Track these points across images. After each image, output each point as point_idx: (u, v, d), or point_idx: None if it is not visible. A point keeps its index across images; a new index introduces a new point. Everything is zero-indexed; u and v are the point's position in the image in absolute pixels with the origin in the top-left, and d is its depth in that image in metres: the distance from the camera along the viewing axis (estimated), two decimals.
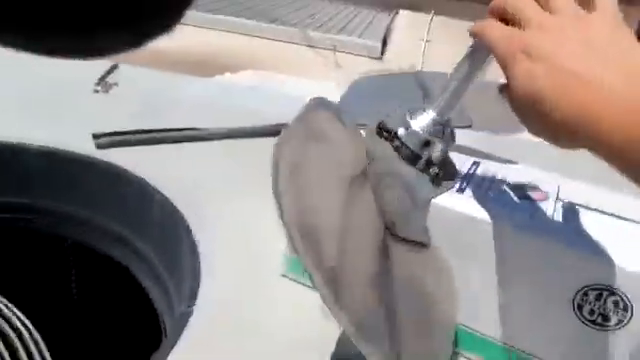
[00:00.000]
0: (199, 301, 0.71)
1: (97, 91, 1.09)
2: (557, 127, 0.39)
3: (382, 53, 2.19)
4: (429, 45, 2.25)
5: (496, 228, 0.59)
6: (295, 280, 0.75)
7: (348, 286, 0.46)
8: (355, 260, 0.49)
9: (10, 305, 0.68)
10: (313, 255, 0.44)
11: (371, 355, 0.43)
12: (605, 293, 0.55)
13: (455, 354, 0.66)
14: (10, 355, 0.62)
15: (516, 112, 0.44)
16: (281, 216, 0.45)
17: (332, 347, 0.66)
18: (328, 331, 0.68)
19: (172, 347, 0.64)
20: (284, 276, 0.76)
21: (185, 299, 0.74)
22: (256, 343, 0.65)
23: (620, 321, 0.56)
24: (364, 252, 0.51)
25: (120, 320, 0.99)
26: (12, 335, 0.65)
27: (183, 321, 0.68)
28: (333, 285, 0.44)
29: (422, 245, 0.59)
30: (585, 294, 0.56)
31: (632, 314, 0.55)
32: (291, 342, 0.66)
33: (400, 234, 0.55)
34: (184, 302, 0.73)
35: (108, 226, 0.96)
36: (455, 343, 0.65)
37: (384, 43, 2.24)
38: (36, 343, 0.63)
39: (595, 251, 0.56)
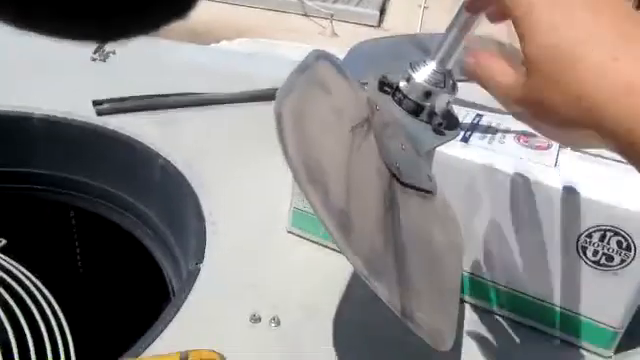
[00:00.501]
0: (206, 259, 0.71)
1: (95, 59, 1.08)
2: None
3: (380, 22, 2.18)
4: (427, 12, 2.23)
5: (500, 175, 0.60)
6: (301, 236, 0.76)
7: (358, 230, 0.46)
8: (363, 202, 0.49)
9: (24, 270, 0.69)
10: (322, 197, 0.45)
11: (382, 293, 0.44)
12: (609, 234, 0.56)
13: (461, 302, 0.67)
14: (26, 318, 0.63)
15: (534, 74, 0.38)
16: (288, 161, 0.45)
17: (338, 299, 0.67)
18: (335, 287, 0.69)
19: (181, 304, 0.65)
20: (290, 232, 0.76)
21: (192, 260, 0.75)
22: (263, 298, 0.66)
23: (623, 261, 0.56)
24: (371, 195, 0.51)
25: (127, 284, 1.00)
26: (28, 301, 0.65)
27: (191, 279, 0.69)
28: (342, 228, 0.45)
29: (428, 193, 0.60)
30: (589, 236, 0.57)
31: (635, 253, 0.55)
32: (299, 296, 0.67)
33: (406, 181, 0.56)
34: (191, 262, 0.74)
35: (111, 192, 0.96)
36: (461, 290, 0.66)
37: (382, 11, 2.23)
38: (52, 308, 0.64)
39: (599, 194, 0.56)
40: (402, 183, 0.56)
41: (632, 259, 0.56)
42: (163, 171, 0.88)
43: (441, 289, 0.54)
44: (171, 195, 0.87)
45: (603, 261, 0.57)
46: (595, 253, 0.57)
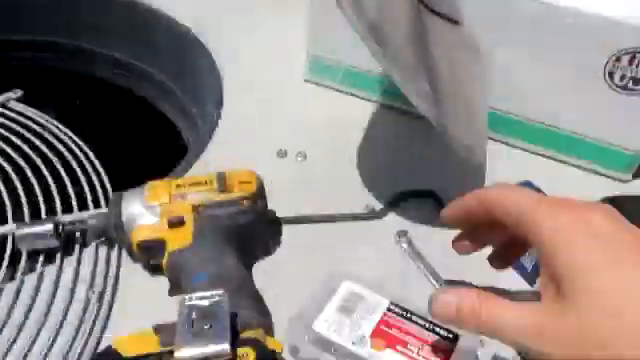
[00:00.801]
0: (225, 106, 0.71)
1: None
2: None
3: None
4: None
5: (528, 3, 0.58)
6: (318, 83, 0.75)
7: (389, 40, 0.46)
8: (392, 18, 0.48)
9: (44, 115, 0.68)
10: (356, 8, 0.44)
11: (418, 103, 0.44)
12: (638, 55, 0.56)
13: (490, 139, 0.67)
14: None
15: None
16: None
17: (360, 139, 0.68)
18: (356, 128, 0.70)
19: (205, 145, 0.66)
20: (307, 81, 0.76)
21: (210, 112, 0.74)
22: (287, 137, 0.67)
23: None
24: (401, 15, 0.50)
25: (144, 144, 1.00)
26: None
27: (213, 123, 0.69)
28: (376, 36, 0.44)
29: (455, 22, 0.59)
30: (617, 59, 0.57)
31: None
32: (322, 136, 0.68)
33: (434, 8, 0.54)
34: (210, 113, 0.74)
35: (121, 58, 0.94)
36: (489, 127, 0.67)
37: None
38: (80, 147, 0.64)
39: (627, 15, 0.55)
40: (430, 10, 0.55)
41: None
42: (169, 27, 0.86)
43: (470, 111, 0.54)
44: (184, 54, 0.85)
45: (630, 85, 0.58)
46: (622, 78, 0.58)
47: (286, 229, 0.56)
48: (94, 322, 0.46)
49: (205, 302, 0.36)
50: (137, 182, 0.51)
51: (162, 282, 0.47)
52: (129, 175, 0.57)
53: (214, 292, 0.36)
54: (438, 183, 0.61)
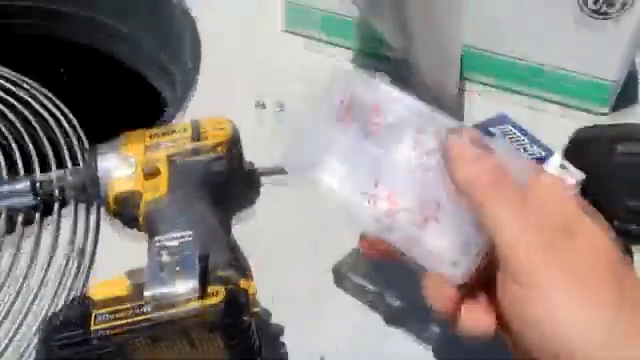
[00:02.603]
0: (203, 59, 0.71)
1: None
2: None
3: None
4: None
5: None
6: (297, 33, 0.74)
7: None
8: None
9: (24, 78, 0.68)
10: None
11: (385, 30, 0.44)
12: None
13: (464, 79, 0.67)
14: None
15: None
16: None
17: None
18: None
19: (187, 99, 0.65)
20: (286, 31, 0.75)
21: (189, 66, 0.74)
22: (265, 88, 0.66)
23: (624, 4, 0.56)
24: None
25: (124, 104, 1.00)
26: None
27: (192, 77, 0.69)
28: None
29: None
30: None
31: None
32: (301, 87, 0.67)
33: None
34: (189, 65, 0.73)
35: (99, 19, 0.93)
36: (463, 67, 0.66)
37: None
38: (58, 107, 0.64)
39: None
40: None
41: (633, 1, 0.55)
42: None
43: (442, 45, 0.54)
44: (161, 10, 0.84)
45: (604, 8, 0.57)
46: (596, 1, 0.57)
47: (265, 180, 0.56)
48: (75, 277, 0.46)
49: (175, 242, 0.36)
50: None
51: (141, 236, 0.48)
52: (109, 135, 0.57)
53: (184, 233, 0.37)
54: None
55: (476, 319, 0.32)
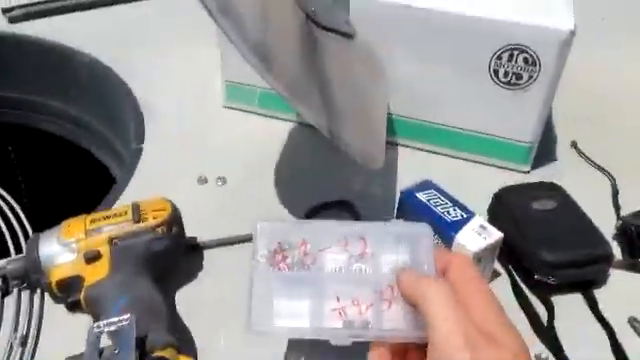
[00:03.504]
0: (147, 140, 0.73)
1: None
2: None
3: None
4: None
5: (415, 11, 0.63)
6: (237, 108, 0.78)
7: (276, 57, 0.48)
8: (280, 35, 0.51)
9: None
10: (237, 29, 0.46)
11: (308, 115, 0.47)
12: (516, 52, 0.60)
13: (392, 143, 0.72)
14: None
15: None
16: (203, 4, 0.46)
17: (278, 159, 0.70)
18: (276, 149, 0.73)
19: (129, 178, 0.67)
20: (226, 107, 0.78)
21: (134, 154, 0.76)
22: (208, 163, 0.69)
23: (530, 77, 0.62)
24: (288, 31, 0.53)
25: (73, 184, 1.01)
26: None
27: (135, 158, 0.71)
28: (261, 57, 0.46)
29: (348, 36, 0.62)
30: (499, 57, 0.61)
31: (540, 68, 0.61)
32: (242, 159, 0.70)
33: (324, 23, 0.58)
34: (133, 146, 0.76)
35: (39, 101, 0.95)
36: (390, 131, 0.71)
37: None
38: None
39: (505, 15, 0.60)
40: (321, 26, 0.58)
41: (538, 74, 0.61)
42: (89, 68, 0.87)
43: (368, 116, 0.57)
44: (102, 90, 0.87)
45: (513, 80, 0.62)
46: (506, 74, 0.62)
47: (208, 253, 0.58)
48: None
49: (113, 327, 0.37)
50: None
51: (86, 320, 0.49)
52: (63, 217, 0.58)
53: (121, 317, 0.38)
54: (354, 192, 0.65)
55: None
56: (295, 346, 0.49)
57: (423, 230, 0.42)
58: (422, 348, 0.38)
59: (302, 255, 0.41)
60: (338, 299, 0.40)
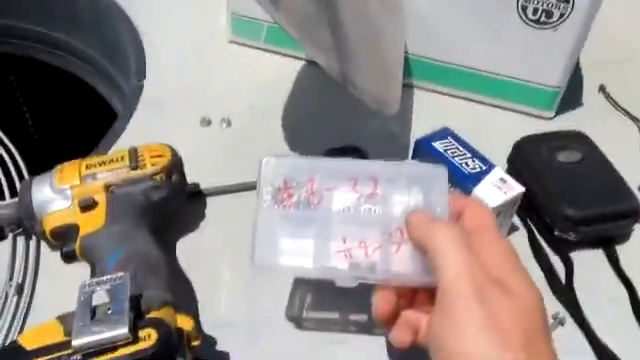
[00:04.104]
0: (148, 75, 0.69)
1: None
2: None
3: None
4: None
5: None
6: (243, 44, 0.73)
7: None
8: None
9: None
10: None
11: (318, 57, 0.43)
12: None
13: (408, 86, 0.67)
14: None
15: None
16: None
17: (285, 99, 0.66)
18: (282, 88, 0.69)
19: (129, 116, 0.64)
20: (232, 42, 0.74)
21: (133, 80, 0.72)
22: (212, 103, 0.65)
23: (562, 15, 0.56)
24: None
25: (74, 118, 0.98)
26: None
27: (135, 95, 0.67)
28: None
29: None
30: None
31: (573, 5, 0.55)
32: (247, 99, 0.66)
33: None
34: (133, 81, 0.72)
35: (43, 33, 0.91)
36: (406, 73, 0.66)
37: None
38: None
39: None
40: None
41: (570, 11, 0.56)
42: (92, 1, 0.82)
43: (382, 57, 0.53)
44: (103, 22, 0.82)
45: (543, 18, 0.57)
46: (535, 11, 0.57)
47: (211, 201, 0.56)
48: (13, 316, 0.45)
49: (106, 286, 0.35)
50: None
51: (84, 267, 0.47)
52: (65, 151, 0.56)
53: (115, 275, 0.36)
54: (365, 138, 0.61)
55: (401, 336, 0.38)
56: (300, 287, 0.48)
57: (438, 171, 0.39)
58: (431, 292, 0.37)
59: (309, 193, 0.39)
60: (345, 240, 0.38)
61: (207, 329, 0.45)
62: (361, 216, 0.39)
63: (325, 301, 0.48)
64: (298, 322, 0.47)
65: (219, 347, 0.44)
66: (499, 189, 0.48)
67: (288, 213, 0.39)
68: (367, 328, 0.46)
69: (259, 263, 0.37)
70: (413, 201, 0.39)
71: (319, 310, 0.48)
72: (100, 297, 0.36)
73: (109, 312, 0.34)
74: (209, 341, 0.44)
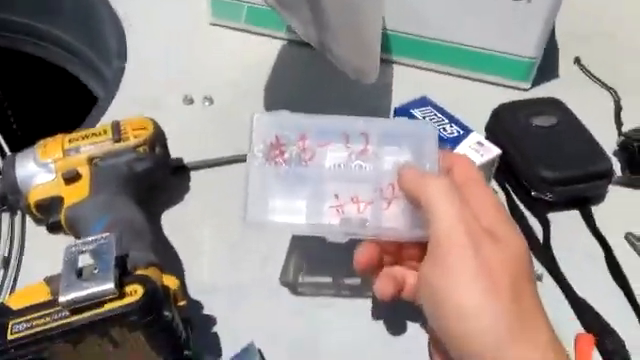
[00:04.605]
0: (130, 58, 0.70)
1: None
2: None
3: None
4: None
5: None
6: (225, 25, 0.74)
7: None
8: None
9: None
10: None
11: (297, 27, 0.44)
12: None
13: (387, 62, 0.68)
14: None
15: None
16: None
17: (266, 79, 0.67)
18: (264, 69, 0.69)
19: (112, 97, 0.65)
20: (213, 24, 0.74)
21: (116, 72, 0.72)
22: (194, 82, 0.66)
23: None
24: None
25: (56, 106, 0.97)
26: None
27: (118, 77, 0.68)
28: None
29: None
30: None
31: None
32: (229, 78, 0.67)
33: None
34: (115, 64, 0.72)
35: (25, 22, 0.90)
36: (385, 49, 0.67)
37: None
38: None
39: None
40: None
41: None
42: None
43: (360, 29, 0.54)
44: (84, 8, 0.82)
45: None
46: None
47: (195, 175, 0.56)
48: (0, 289, 0.45)
49: (92, 246, 0.36)
50: None
51: (70, 241, 0.47)
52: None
53: (100, 236, 0.36)
54: (345, 112, 0.61)
55: (384, 287, 0.39)
56: (294, 253, 0.49)
57: (428, 129, 0.40)
58: (418, 246, 0.38)
59: (300, 150, 0.39)
60: (337, 196, 0.39)
61: (192, 295, 0.45)
62: (353, 172, 0.39)
63: (319, 266, 0.48)
64: (293, 287, 0.47)
65: (205, 311, 0.45)
66: (477, 152, 0.49)
67: (280, 170, 0.39)
68: (359, 291, 0.47)
69: (251, 220, 0.38)
70: (404, 157, 0.39)
71: (313, 275, 0.48)
72: (86, 261, 0.37)
73: (95, 272, 0.35)
74: (195, 306, 0.45)
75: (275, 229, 0.40)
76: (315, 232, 0.38)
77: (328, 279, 0.48)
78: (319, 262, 0.48)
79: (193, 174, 0.56)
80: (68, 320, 0.33)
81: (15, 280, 0.47)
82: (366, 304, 0.46)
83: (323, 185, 0.39)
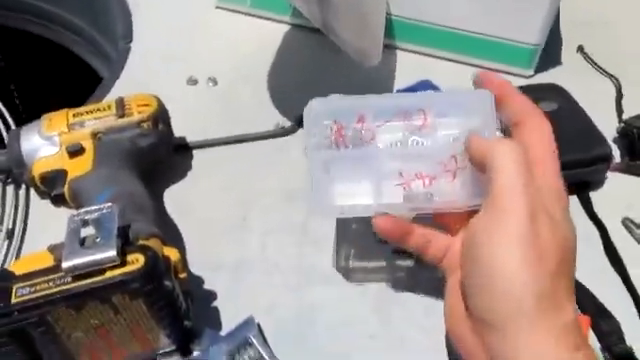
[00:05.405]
0: (135, 38, 0.70)
1: None
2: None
3: None
4: None
5: None
6: (231, 9, 0.74)
7: None
8: None
9: None
10: None
11: (302, 7, 0.45)
12: None
13: (390, 47, 0.68)
14: None
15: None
16: None
17: (271, 63, 0.68)
18: (268, 53, 0.70)
19: (117, 76, 0.65)
20: (219, 7, 0.75)
21: (121, 53, 0.73)
22: (198, 64, 0.66)
23: None
24: None
25: (61, 86, 0.98)
26: None
27: (123, 56, 0.68)
28: None
29: None
30: None
31: None
32: (234, 61, 0.67)
33: None
34: (120, 44, 0.72)
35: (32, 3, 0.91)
36: (388, 34, 0.67)
37: None
38: None
39: None
40: None
41: None
42: None
43: (364, 15, 0.54)
44: None
45: None
46: None
47: (198, 154, 0.57)
48: (4, 260, 0.46)
49: (94, 215, 0.36)
50: None
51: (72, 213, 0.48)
52: None
53: (103, 205, 0.37)
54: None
55: (416, 241, 0.38)
56: (344, 240, 0.49)
57: (484, 95, 0.38)
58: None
59: (360, 131, 0.39)
60: (401, 174, 0.38)
61: (194, 271, 0.46)
62: (413, 149, 0.39)
63: (369, 250, 0.48)
64: (346, 273, 0.48)
65: (206, 287, 0.46)
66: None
67: (341, 153, 0.38)
68: (413, 273, 0.47)
69: (317, 208, 0.37)
70: (463, 128, 0.39)
71: (365, 260, 0.48)
72: (89, 232, 0.37)
73: (97, 240, 0.35)
74: (196, 281, 0.46)
75: (341, 213, 0.40)
76: (382, 211, 0.38)
77: (382, 263, 0.48)
78: (369, 246, 0.48)
79: (196, 153, 0.57)
80: (69, 286, 0.34)
81: (19, 250, 0.48)
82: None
83: (386, 164, 0.38)
